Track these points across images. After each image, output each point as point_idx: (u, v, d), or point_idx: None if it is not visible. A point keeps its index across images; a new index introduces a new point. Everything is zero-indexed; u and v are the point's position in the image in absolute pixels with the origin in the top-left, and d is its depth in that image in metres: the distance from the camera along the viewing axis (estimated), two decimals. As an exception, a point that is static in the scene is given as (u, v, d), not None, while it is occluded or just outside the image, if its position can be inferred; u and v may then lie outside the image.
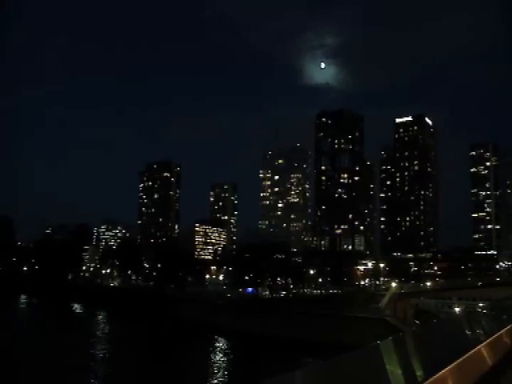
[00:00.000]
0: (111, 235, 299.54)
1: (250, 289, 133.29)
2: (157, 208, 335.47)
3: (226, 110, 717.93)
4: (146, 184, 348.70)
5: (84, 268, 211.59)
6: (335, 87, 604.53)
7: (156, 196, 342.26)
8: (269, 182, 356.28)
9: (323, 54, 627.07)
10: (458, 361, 1.83)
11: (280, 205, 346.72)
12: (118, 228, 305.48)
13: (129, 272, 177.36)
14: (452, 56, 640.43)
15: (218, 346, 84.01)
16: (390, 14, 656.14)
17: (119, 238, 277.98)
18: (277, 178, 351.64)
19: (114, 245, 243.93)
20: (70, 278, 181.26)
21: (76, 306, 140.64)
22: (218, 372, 65.78)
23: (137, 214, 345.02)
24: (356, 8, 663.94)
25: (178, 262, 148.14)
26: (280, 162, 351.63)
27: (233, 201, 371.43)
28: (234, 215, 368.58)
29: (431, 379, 1.57)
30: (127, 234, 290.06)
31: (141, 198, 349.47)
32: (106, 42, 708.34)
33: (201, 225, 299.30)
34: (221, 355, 77.63)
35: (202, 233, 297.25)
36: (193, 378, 61.89)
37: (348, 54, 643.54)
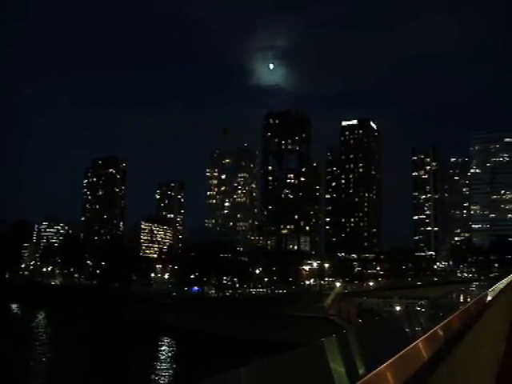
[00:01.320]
0: (53, 232, 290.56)
1: (195, 288, 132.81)
2: (101, 205, 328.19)
3: (175, 107, 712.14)
4: (91, 180, 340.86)
5: (23, 266, 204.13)
6: (285, 88, 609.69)
7: (101, 192, 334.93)
8: (216, 181, 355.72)
9: (274, 55, 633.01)
10: (397, 355, 1.88)
11: (227, 204, 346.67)
12: (61, 225, 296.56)
13: (71, 270, 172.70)
14: (403, 63, 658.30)
15: (164, 345, 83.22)
16: (342, 18, 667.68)
17: (62, 235, 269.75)
18: (224, 177, 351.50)
19: (56, 242, 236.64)
20: (7, 276, 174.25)
21: (14, 306, 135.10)
22: (163, 371, 65.14)
23: (81, 211, 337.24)
24: (308, 11, 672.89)
25: (122, 260, 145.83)
26: (227, 161, 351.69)
27: (179, 199, 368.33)
28: (180, 213, 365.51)
29: (372, 374, 1.61)
30: (70, 231, 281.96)
31: (85, 194, 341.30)
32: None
33: (147, 223, 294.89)
34: (166, 354, 76.98)
35: (147, 231, 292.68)
36: (137, 379, 60.96)
37: (299, 56, 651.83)
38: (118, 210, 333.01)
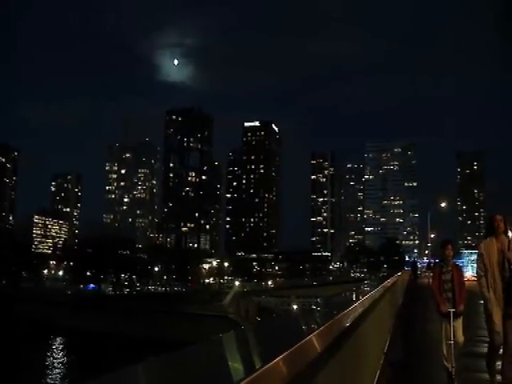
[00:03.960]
0: None
1: (91, 285, 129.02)
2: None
3: (75, 98, 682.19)
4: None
5: None
6: (191, 86, 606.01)
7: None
8: (115, 176, 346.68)
9: (182, 53, 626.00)
10: (292, 349, 1.95)
11: (126, 199, 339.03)
12: None
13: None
14: (313, 71, 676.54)
15: (56, 346, 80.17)
16: (255, 21, 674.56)
17: None
18: (123, 171, 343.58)
19: None
20: None
21: None
22: (53, 374, 62.86)
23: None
24: (220, 12, 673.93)
25: (11, 256, 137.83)
26: (128, 155, 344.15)
27: (76, 192, 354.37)
28: (76, 207, 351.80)
29: (267, 366, 1.67)
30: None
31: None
32: None
33: (40, 216, 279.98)
34: (58, 356, 74.22)
35: (40, 225, 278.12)
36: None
37: (208, 56, 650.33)
38: (7, 202, 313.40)
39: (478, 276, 8.31)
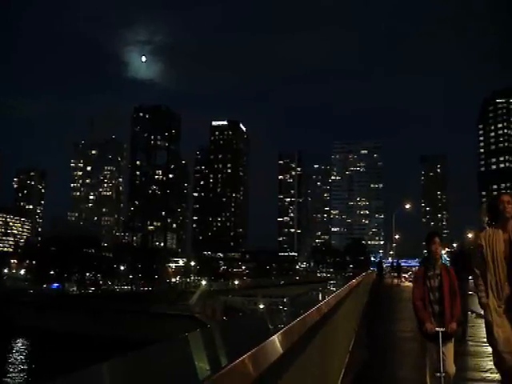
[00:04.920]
0: None
1: (55, 284, 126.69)
2: None
3: (41, 93, 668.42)
4: None
5: None
6: (160, 84, 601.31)
7: None
8: (80, 173, 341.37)
9: (152, 51, 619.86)
10: (258, 347, 1.98)
11: (91, 197, 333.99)
12: None
13: None
14: (283, 72, 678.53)
15: (17, 348, 78.43)
16: (226, 19, 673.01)
17: None
18: (89, 168, 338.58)
19: None
20: None
21: None
22: (15, 373, 61.59)
23: None
24: (191, 11, 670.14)
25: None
26: (93, 152, 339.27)
27: (40, 189, 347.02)
28: (40, 205, 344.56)
29: (233, 364, 1.69)
30: None
31: None
32: None
33: (1, 213, 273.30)
34: (20, 357, 72.66)
35: (2, 222, 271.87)
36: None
37: (177, 54, 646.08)
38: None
39: (474, 275, 6.12)
